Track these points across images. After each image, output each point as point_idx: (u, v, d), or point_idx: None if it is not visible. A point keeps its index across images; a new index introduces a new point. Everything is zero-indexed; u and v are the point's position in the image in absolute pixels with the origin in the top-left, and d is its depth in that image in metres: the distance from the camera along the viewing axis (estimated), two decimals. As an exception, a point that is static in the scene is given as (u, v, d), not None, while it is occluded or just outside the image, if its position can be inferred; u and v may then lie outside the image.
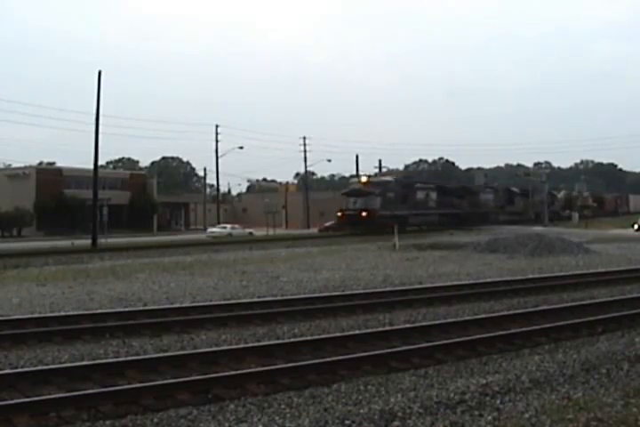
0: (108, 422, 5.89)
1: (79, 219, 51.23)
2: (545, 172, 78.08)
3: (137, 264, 22.93)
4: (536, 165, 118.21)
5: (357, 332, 9.91)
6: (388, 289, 15.15)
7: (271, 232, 51.49)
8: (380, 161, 74.92)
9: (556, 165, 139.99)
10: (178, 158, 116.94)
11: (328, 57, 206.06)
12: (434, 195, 52.03)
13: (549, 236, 29.36)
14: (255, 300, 13.57)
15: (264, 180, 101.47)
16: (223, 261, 24.00)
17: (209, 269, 20.75)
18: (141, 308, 12.54)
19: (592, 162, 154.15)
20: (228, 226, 55.99)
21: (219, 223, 60.92)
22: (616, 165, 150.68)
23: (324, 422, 5.73)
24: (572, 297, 13.88)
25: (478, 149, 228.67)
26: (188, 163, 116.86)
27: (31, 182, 57.63)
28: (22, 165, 62.98)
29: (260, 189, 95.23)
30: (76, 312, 11.96)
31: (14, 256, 26.70)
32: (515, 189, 65.64)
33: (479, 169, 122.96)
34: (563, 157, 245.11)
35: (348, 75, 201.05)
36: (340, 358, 8.00)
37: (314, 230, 56.87)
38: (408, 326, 10.40)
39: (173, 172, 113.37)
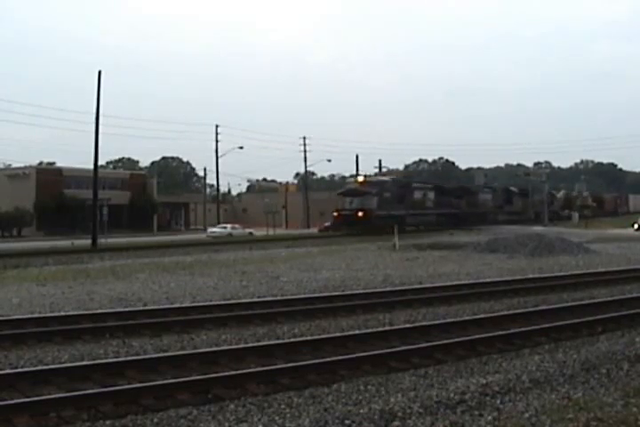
0: (108, 422, 5.90)
1: (79, 219, 51.22)
2: (545, 172, 78.10)
3: (137, 264, 22.93)
4: (536, 165, 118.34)
5: (357, 332, 9.91)
6: (387, 289, 15.15)
7: (271, 232, 51.49)
8: (380, 161, 74.99)
9: (556, 165, 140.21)
10: (178, 158, 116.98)
11: (328, 57, 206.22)
12: (431, 195, 51.82)
13: (549, 236, 29.37)
14: (255, 300, 13.57)
15: (264, 180, 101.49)
16: (223, 261, 24.00)
17: (209, 269, 20.76)
18: (141, 308, 12.54)
19: (592, 162, 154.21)
20: (229, 226, 55.97)
21: (219, 223, 60.90)
22: (616, 165, 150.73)
23: (324, 423, 5.73)
24: (572, 297, 13.88)
25: (478, 148, 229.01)
26: (188, 163, 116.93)
27: (31, 182, 57.62)
28: (22, 165, 63.05)
29: (259, 189, 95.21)
30: (76, 312, 11.96)
31: (14, 256, 26.71)
32: (513, 189, 65.57)
33: (479, 169, 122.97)
34: (563, 157, 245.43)
35: (347, 75, 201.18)
36: (340, 358, 8.00)
37: (314, 230, 56.84)
38: (408, 326, 10.40)
39: (173, 172, 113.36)
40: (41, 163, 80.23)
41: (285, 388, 7.00)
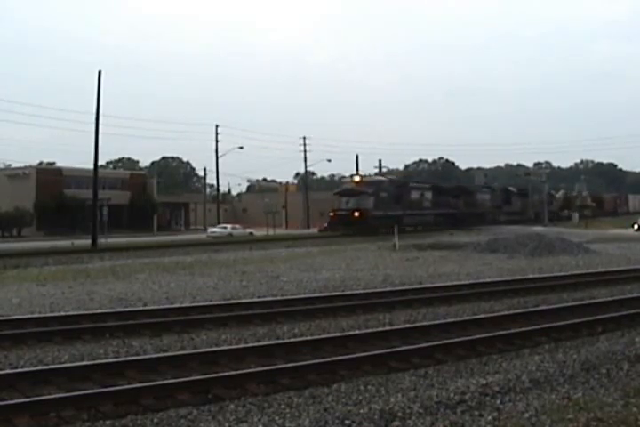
0: (108, 422, 5.90)
1: (79, 219, 51.20)
2: (545, 172, 78.18)
3: (137, 264, 22.93)
4: (536, 165, 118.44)
5: (357, 332, 9.91)
6: (388, 289, 15.15)
7: (271, 232, 51.49)
8: (380, 161, 74.85)
9: (556, 165, 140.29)
10: (178, 158, 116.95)
11: (328, 57, 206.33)
12: (429, 195, 51.47)
13: (549, 236, 29.37)
14: (255, 300, 13.57)
15: (264, 180, 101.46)
16: (223, 261, 24.00)
17: (209, 269, 20.76)
18: (141, 308, 12.54)
19: (592, 162, 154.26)
20: (229, 226, 55.95)
21: (219, 223, 60.88)
22: (616, 165, 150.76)
23: (324, 423, 5.73)
24: (572, 297, 13.88)
25: (478, 148, 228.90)
26: (188, 163, 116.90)
27: (31, 182, 57.60)
28: (22, 165, 63.00)
29: (259, 189, 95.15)
30: (76, 312, 11.96)
31: (14, 256, 26.71)
32: (512, 189, 65.42)
33: (479, 169, 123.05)
34: (563, 157, 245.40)
35: (348, 75, 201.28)
36: (340, 358, 8.00)
37: (314, 230, 56.84)
38: (408, 326, 10.40)
39: (173, 172, 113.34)
40: (41, 163, 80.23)
41: (285, 388, 7.00)
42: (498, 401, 6.34)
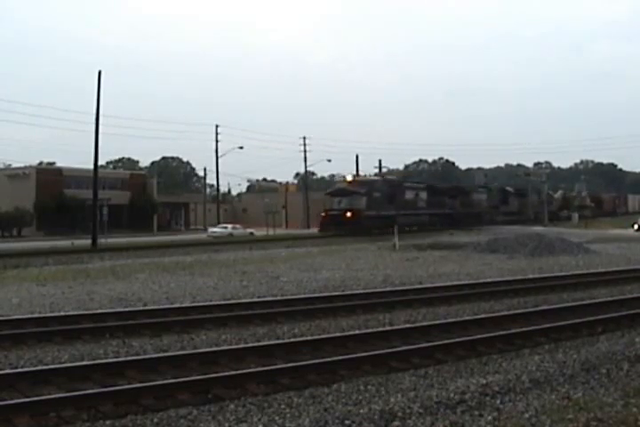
0: (108, 422, 5.90)
1: (79, 219, 51.19)
2: (545, 172, 78.30)
3: (137, 264, 22.93)
4: (536, 165, 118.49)
5: (357, 332, 9.91)
6: (388, 289, 15.15)
7: (271, 232, 51.49)
8: (380, 161, 74.67)
9: (556, 165, 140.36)
10: (178, 158, 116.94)
11: (328, 57, 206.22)
12: (424, 194, 50.96)
13: (549, 236, 29.38)
14: (255, 300, 13.58)
15: (264, 180, 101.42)
16: (223, 261, 24.01)
17: (209, 269, 20.76)
18: (141, 308, 12.54)
19: (592, 162, 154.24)
20: (229, 226, 55.93)
21: (219, 223, 60.87)
22: (616, 165, 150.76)
23: (324, 423, 5.73)
24: (572, 297, 13.88)
25: (478, 149, 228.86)
26: (188, 163, 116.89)
27: (31, 182, 57.59)
28: (22, 165, 62.96)
29: (260, 189, 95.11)
30: (76, 312, 11.96)
31: (14, 256, 26.71)
32: (509, 189, 65.19)
33: (479, 169, 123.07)
34: (563, 157, 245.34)
35: (348, 75, 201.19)
36: (340, 358, 8.00)
37: (314, 230, 56.80)
38: (408, 326, 10.40)
39: (173, 172, 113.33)
40: (41, 163, 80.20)
41: (285, 388, 7.00)
42: (498, 401, 6.34)
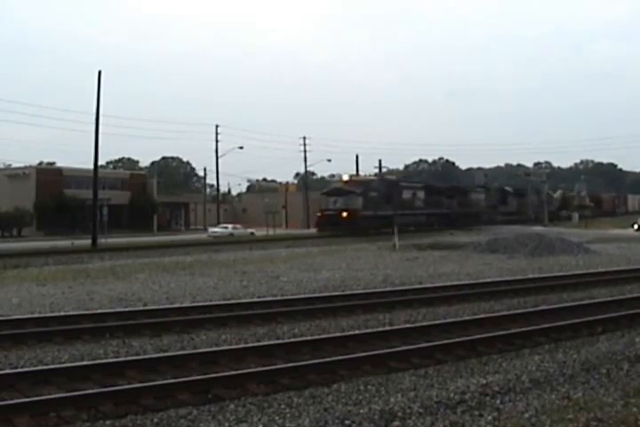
0: (108, 422, 5.90)
1: (79, 219, 51.18)
2: (545, 172, 78.33)
3: (137, 264, 22.93)
4: (536, 165, 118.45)
5: (357, 332, 9.91)
6: (388, 289, 15.15)
7: (271, 232, 51.48)
8: (380, 161, 74.60)
9: (556, 165, 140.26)
10: (178, 158, 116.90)
11: (328, 57, 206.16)
12: (421, 194, 50.62)
13: (549, 236, 29.38)
14: (255, 300, 13.58)
15: (264, 180, 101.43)
16: (223, 261, 24.00)
17: (209, 269, 20.76)
18: (141, 308, 12.54)
19: (592, 162, 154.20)
20: (230, 226, 55.91)
21: (219, 223, 60.88)
22: (616, 165, 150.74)
23: (324, 423, 5.73)
24: (572, 297, 13.88)
25: (478, 149, 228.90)
26: (188, 163, 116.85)
27: (31, 182, 57.58)
28: (22, 165, 62.93)
29: (260, 189, 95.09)
30: (76, 312, 11.96)
31: (14, 256, 26.72)
32: (508, 189, 65.04)
33: (479, 169, 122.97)
34: (563, 157, 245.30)
35: (348, 75, 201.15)
36: (340, 358, 8.00)
37: (314, 230, 56.79)
38: (408, 326, 10.40)
39: (173, 172, 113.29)
40: (41, 163, 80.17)
41: (285, 388, 7.00)
42: (498, 401, 6.34)
